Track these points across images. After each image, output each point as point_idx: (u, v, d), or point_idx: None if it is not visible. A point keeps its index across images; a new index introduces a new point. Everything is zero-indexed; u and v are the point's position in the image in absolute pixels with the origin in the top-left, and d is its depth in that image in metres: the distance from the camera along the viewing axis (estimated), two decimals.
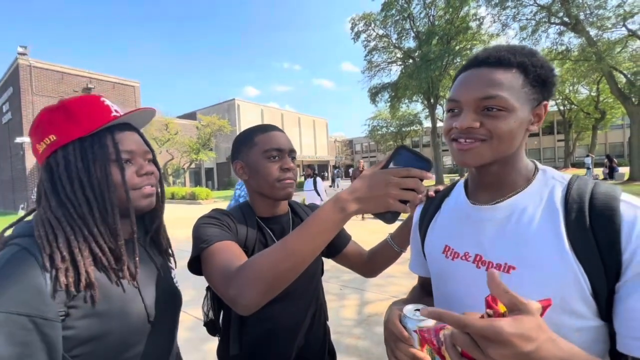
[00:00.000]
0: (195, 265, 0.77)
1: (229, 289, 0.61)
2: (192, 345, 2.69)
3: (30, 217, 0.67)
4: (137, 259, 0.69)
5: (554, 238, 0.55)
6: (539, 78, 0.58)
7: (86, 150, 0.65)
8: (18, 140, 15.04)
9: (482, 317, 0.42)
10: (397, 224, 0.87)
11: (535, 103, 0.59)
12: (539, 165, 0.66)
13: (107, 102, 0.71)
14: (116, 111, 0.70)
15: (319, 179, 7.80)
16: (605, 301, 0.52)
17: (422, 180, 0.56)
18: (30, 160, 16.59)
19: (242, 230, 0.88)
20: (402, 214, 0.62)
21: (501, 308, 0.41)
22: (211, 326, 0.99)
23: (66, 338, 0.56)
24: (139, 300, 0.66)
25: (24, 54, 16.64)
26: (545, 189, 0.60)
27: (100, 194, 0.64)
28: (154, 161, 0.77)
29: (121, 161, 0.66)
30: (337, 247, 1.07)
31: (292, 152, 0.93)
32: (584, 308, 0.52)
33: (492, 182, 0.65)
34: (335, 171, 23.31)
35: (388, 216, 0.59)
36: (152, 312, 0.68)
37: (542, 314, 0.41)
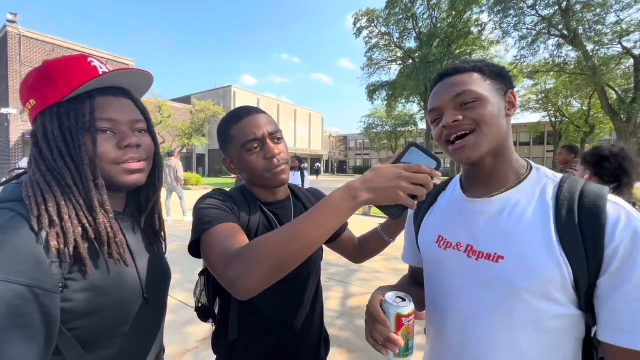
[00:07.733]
0: (195, 248, 0.74)
1: (228, 271, 0.59)
2: (174, 327, 2.70)
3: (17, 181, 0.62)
4: (125, 234, 0.66)
5: (543, 232, 0.58)
6: (494, 73, 0.66)
7: (62, 117, 0.59)
8: (3, 111, 14.45)
9: None
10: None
11: (502, 92, 0.66)
12: (533, 164, 0.69)
13: (96, 62, 0.63)
14: (104, 73, 0.62)
15: (306, 173, 6.58)
16: (585, 293, 0.55)
17: (432, 178, 0.58)
18: (15, 133, 16.03)
19: (245, 212, 0.84)
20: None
21: None
22: (204, 312, 0.97)
23: (64, 310, 0.54)
24: (134, 275, 0.65)
25: (13, 22, 15.99)
26: (538, 186, 0.64)
27: (79, 166, 0.59)
28: (150, 132, 0.70)
29: (95, 131, 0.59)
30: (336, 233, 1.06)
31: (274, 134, 0.85)
32: (564, 297, 0.56)
33: (486, 175, 0.68)
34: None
35: (394, 211, 0.60)
36: (146, 287, 0.67)
37: None
